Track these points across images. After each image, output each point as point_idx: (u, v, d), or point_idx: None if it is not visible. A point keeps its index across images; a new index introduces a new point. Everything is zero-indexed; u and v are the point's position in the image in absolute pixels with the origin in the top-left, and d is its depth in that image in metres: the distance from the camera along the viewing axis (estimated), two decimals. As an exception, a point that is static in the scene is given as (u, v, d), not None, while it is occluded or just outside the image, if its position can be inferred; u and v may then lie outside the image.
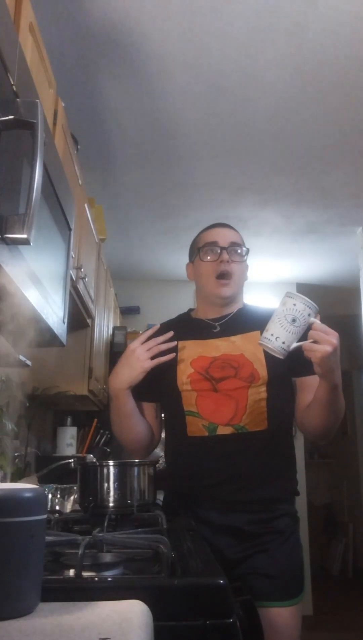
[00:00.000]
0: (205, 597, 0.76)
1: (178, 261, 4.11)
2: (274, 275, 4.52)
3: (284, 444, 1.47)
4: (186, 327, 1.54)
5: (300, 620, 1.38)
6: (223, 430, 1.39)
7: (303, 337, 1.26)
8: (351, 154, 2.79)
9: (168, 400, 1.50)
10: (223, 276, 1.49)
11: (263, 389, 1.40)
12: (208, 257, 1.51)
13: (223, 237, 1.52)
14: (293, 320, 1.24)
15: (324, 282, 4.72)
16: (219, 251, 1.50)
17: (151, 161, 2.87)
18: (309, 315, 1.25)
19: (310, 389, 1.40)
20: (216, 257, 1.50)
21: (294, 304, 1.25)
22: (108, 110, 2.44)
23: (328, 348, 1.21)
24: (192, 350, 1.47)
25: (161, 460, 1.80)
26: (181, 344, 1.48)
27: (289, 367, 1.41)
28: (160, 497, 1.57)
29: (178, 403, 1.45)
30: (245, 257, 1.54)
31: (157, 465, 1.47)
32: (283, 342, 1.24)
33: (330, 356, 1.22)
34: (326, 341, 1.22)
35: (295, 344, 1.25)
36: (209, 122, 2.53)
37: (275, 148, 2.74)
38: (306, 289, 4.75)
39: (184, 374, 1.45)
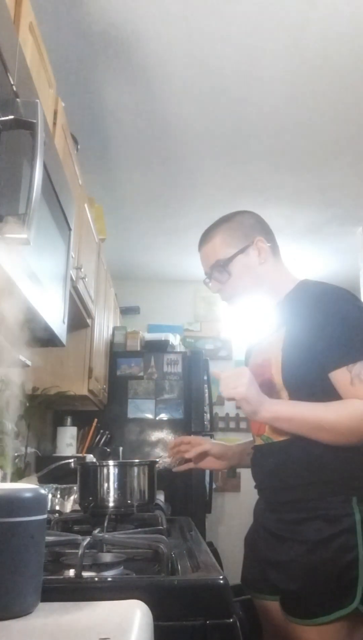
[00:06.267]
0: (205, 596, 0.76)
1: (178, 261, 4.10)
2: (274, 275, 4.52)
3: (313, 449, 1.26)
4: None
5: None
6: (258, 441, 1.38)
7: None
8: (351, 153, 2.79)
9: None
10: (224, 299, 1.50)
11: (285, 394, 1.29)
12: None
13: (203, 265, 1.52)
14: None
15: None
16: (208, 282, 1.51)
17: (151, 161, 2.87)
18: None
19: (336, 386, 1.23)
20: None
21: None
22: (108, 110, 2.44)
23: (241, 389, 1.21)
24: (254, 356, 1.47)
25: (161, 460, 1.80)
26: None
27: (320, 363, 1.24)
28: (160, 497, 1.57)
29: None
30: (227, 273, 1.44)
31: (157, 465, 1.47)
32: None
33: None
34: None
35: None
36: (209, 122, 2.53)
37: (275, 148, 2.74)
38: (306, 289, 4.74)
39: None
